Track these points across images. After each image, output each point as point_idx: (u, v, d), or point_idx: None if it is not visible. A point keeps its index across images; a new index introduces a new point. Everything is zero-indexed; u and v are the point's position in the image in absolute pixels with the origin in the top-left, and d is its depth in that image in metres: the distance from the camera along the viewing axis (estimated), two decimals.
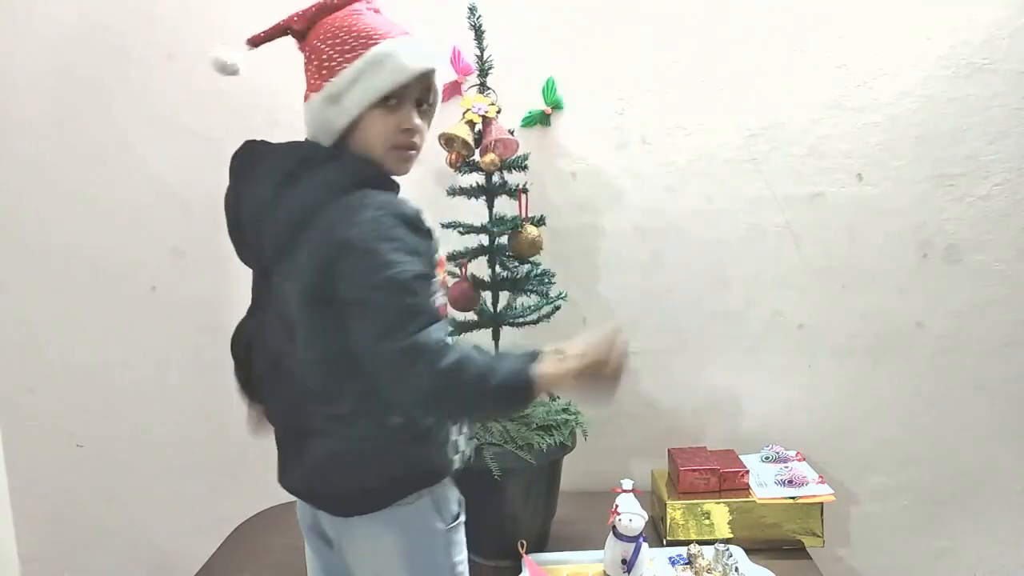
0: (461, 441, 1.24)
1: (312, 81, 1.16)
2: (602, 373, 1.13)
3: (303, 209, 1.10)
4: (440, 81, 1.22)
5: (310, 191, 1.11)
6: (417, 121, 1.19)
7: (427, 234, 1.11)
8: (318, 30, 1.17)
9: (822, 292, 1.90)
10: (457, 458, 1.22)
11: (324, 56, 1.14)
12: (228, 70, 1.20)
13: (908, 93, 1.80)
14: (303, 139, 1.20)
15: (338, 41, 1.14)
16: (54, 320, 1.94)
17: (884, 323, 1.91)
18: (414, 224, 1.09)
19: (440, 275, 1.17)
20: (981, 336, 1.90)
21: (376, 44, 1.13)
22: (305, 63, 1.19)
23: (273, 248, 1.14)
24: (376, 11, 1.21)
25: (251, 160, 1.19)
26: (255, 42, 1.22)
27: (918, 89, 1.80)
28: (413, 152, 1.21)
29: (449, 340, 1.06)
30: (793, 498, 1.69)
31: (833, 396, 1.95)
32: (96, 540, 2.04)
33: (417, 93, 1.18)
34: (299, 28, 1.19)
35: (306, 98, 1.18)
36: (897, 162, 1.84)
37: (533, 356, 1.10)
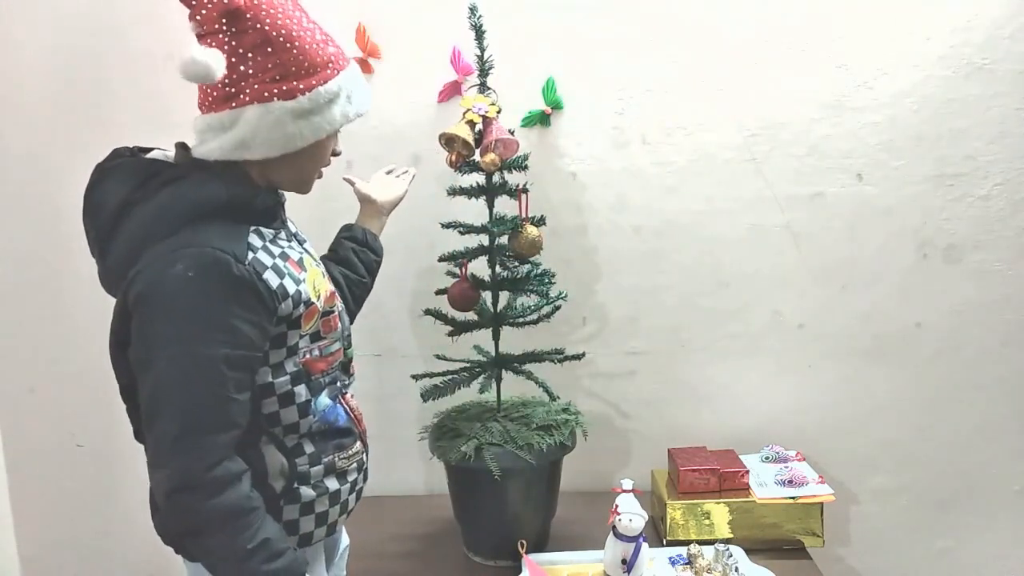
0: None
1: (258, 83, 1.03)
2: None
3: (130, 248, 1.04)
4: None
5: (139, 225, 1.03)
6: (340, 148, 1.19)
7: (256, 289, 1.01)
8: (255, 14, 1.02)
9: (822, 292, 1.90)
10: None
11: (291, 58, 1.03)
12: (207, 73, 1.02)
13: (908, 93, 1.80)
14: (164, 149, 1.12)
15: (304, 48, 1.05)
16: (54, 320, 1.94)
17: (884, 323, 1.91)
18: (237, 282, 0.99)
19: (314, 323, 1.11)
20: (981, 336, 1.91)
21: (346, 66, 1.11)
22: (233, 47, 1.03)
23: (105, 280, 1.11)
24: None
25: (100, 177, 1.11)
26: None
27: (918, 89, 1.80)
28: None
29: (220, 458, 0.99)
30: (793, 498, 1.69)
31: (833, 396, 1.95)
32: (96, 540, 2.03)
33: None
34: None
35: (241, 99, 1.03)
36: (897, 162, 1.84)
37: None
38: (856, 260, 1.88)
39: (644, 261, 1.89)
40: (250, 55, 1.03)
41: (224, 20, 1.02)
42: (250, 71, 1.03)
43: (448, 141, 1.54)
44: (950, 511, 1.99)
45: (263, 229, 1.10)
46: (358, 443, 1.22)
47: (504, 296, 1.69)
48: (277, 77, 1.03)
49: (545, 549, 1.68)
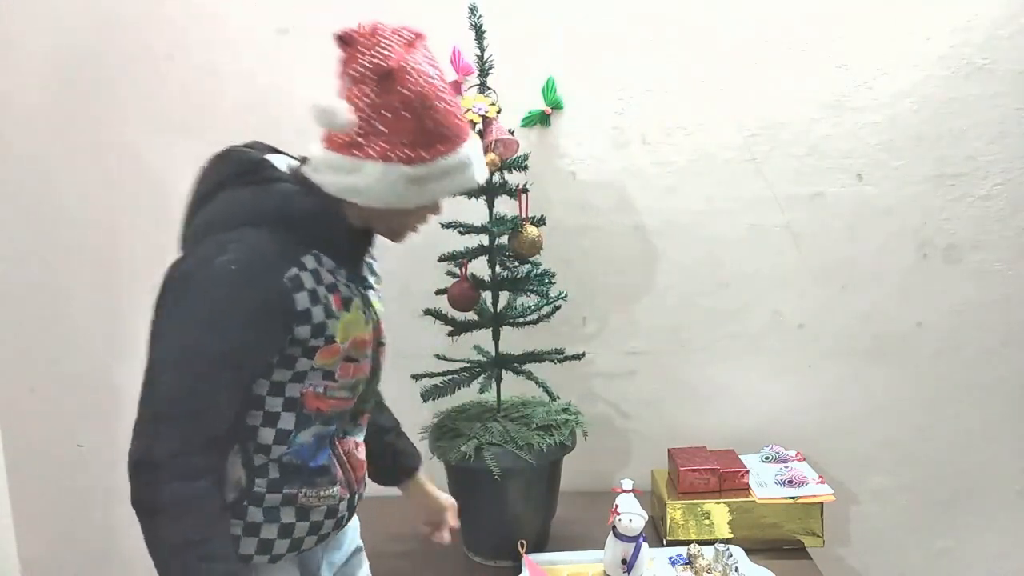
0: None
1: (387, 142, 1.04)
2: None
3: (200, 229, 1.08)
4: None
5: (215, 211, 1.08)
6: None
7: (281, 303, 1.03)
8: (402, 80, 1.04)
9: (822, 292, 1.90)
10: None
11: (423, 127, 1.05)
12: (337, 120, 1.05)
13: (908, 93, 1.80)
14: (269, 153, 1.13)
15: (437, 120, 1.06)
16: (54, 320, 1.94)
17: (884, 323, 1.91)
18: (266, 300, 1.02)
19: (332, 362, 1.09)
20: (981, 336, 1.91)
21: (465, 142, 1.10)
22: (374, 103, 1.04)
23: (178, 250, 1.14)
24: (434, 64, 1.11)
25: (218, 158, 1.14)
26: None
27: (918, 89, 1.80)
28: None
29: (184, 468, 1.00)
30: (793, 498, 1.69)
31: (833, 396, 1.95)
32: (96, 540, 2.03)
33: None
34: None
35: (366, 151, 1.04)
36: (897, 162, 1.84)
37: None
38: (856, 260, 1.88)
39: (644, 261, 1.89)
40: (388, 115, 1.05)
41: (375, 77, 1.04)
42: (383, 129, 1.05)
43: None
44: (950, 511, 1.99)
45: (324, 257, 1.10)
46: (335, 487, 1.17)
47: (504, 296, 1.69)
48: (406, 141, 1.05)
49: (545, 549, 1.68)
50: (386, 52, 1.04)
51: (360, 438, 1.24)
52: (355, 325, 1.12)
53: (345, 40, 1.08)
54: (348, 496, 1.21)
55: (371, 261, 1.27)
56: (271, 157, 1.14)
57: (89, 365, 1.96)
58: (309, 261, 1.07)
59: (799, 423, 1.95)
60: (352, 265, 1.17)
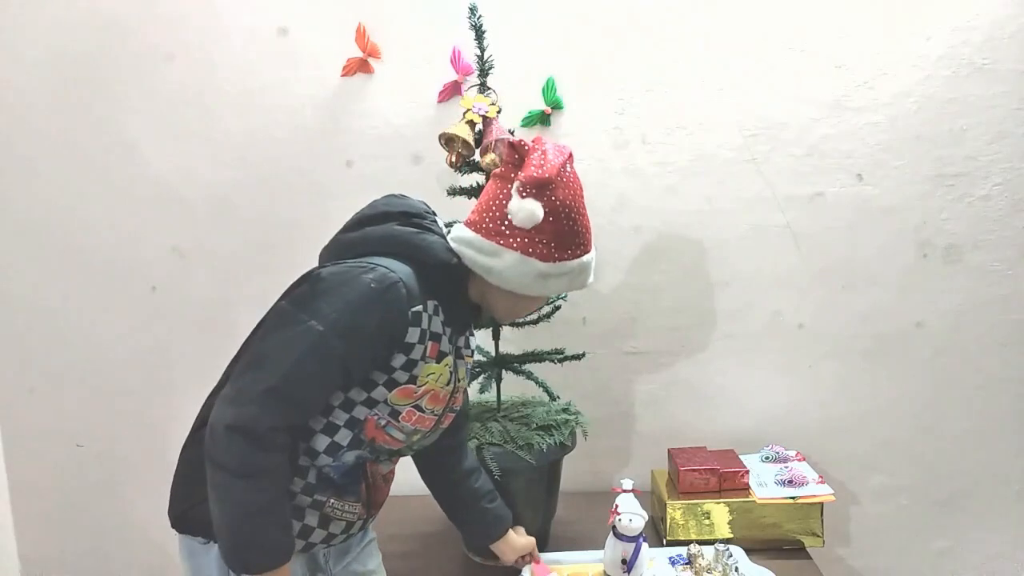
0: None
1: (528, 239, 1.17)
2: None
3: (343, 248, 1.20)
4: None
5: (363, 236, 1.19)
6: None
7: (401, 328, 1.13)
8: (555, 189, 1.17)
9: (822, 292, 1.90)
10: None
11: (563, 232, 1.18)
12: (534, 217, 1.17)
13: (908, 93, 1.80)
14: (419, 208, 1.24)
15: (575, 228, 1.20)
16: (54, 320, 1.94)
17: (884, 323, 1.91)
18: (390, 322, 1.11)
19: (403, 402, 1.17)
20: (981, 336, 1.91)
21: (591, 251, 1.25)
22: (537, 206, 1.16)
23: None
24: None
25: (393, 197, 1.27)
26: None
27: (918, 89, 1.80)
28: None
29: (275, 441, 1.07)
30: (793, 498, 1.69)
31: (833, 396, 1.95)
32: (96, 540, 2.04)
33: None
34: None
35: (509, 242, 1.17)
36: (897, 162, 1.84)
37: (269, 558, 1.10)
38: (856, 260, 1.88)
39: (644, 261, 1.89)
40: None
41: (532, 183, 1.16)
42: (531, 228, 1.17)
43: (448, 141, 1.53)
44: (950, 511, 1.99)
45: (441, 310, 1.20)
46: (358, 506, 1.25)
47: None
48: (545, 241, 1.18)
49: (545, 549, 1.67)
50: (545, 162, 1.18)
51: (387, 469, 1.31)
52: (436, 378, 1.21)
53: (515, 148, 1.20)
54: (365, 516, 1.29)
55: (471, 335, 1.37)
56: (435, 218, 1.27)
57: (89, 365, 1.96)
58: (431, 307, 1.18)
59: (799, 423, 1.95)
60: (459, 328, 1.27)
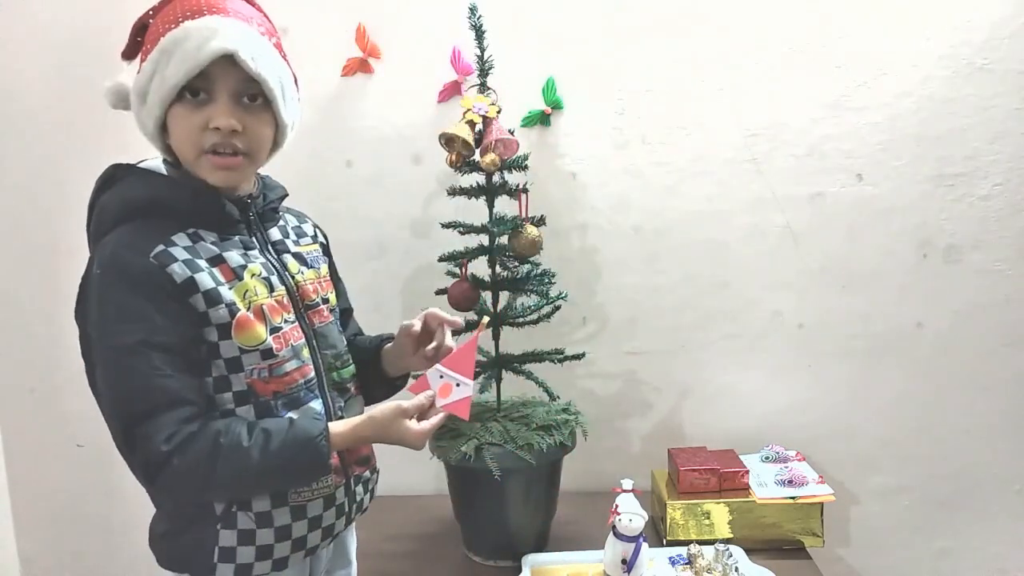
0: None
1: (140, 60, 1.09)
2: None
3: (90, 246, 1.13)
4: (270, 68, 1.04)
5: (91, 225, 1.13)
6: (228, 120, 1.02)
7: (158, 280, 1.00)
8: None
9: (822, 292, 1.90)
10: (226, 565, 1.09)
11: (142, 50, 1.08)
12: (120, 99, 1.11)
13: (908, 93, 1.80)
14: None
15: (149, 30, 1.08)
16: (54, 320, 1.94)
17: (884, 323, 1.91)
18: (144, 281, 1.00)
19: (247, 336, 1.05)
20: (981, 336, 1.90)
21: (172, 30, 1.01)
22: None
23: None
24: None
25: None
26: (128, 55, 1.14)
27: (918, 89, 1.80)
28: (234, 157, 1.05)
29: (172, 432, 0.99)
30: (793, 498, 1.69)
31: (833, 396, 1.95)
32: (96, 540, 2.03)
33: (233, 84, 1.02)
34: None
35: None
36: (897, 162, 1.84)
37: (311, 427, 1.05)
38: (856, 260, 1.88)
39: (644, 261, 1.89)
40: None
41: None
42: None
43: (448, 141, 1.54)
44: (950, 511, 1.99)
45: (203, 232, 1.08)
46: (329, 476, 1.12)
47: (504, 296, 1.69)
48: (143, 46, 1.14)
49: (545, 549, 1.68)
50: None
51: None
52: (253, 290, 1.08)
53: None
54: (344, 483, 1.16)
55: (298, 224, 1.25)
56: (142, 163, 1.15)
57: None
58: (181, 238, 1.05)
59: (799, 423, 1.95)
60: (228, 229, 1.10)
